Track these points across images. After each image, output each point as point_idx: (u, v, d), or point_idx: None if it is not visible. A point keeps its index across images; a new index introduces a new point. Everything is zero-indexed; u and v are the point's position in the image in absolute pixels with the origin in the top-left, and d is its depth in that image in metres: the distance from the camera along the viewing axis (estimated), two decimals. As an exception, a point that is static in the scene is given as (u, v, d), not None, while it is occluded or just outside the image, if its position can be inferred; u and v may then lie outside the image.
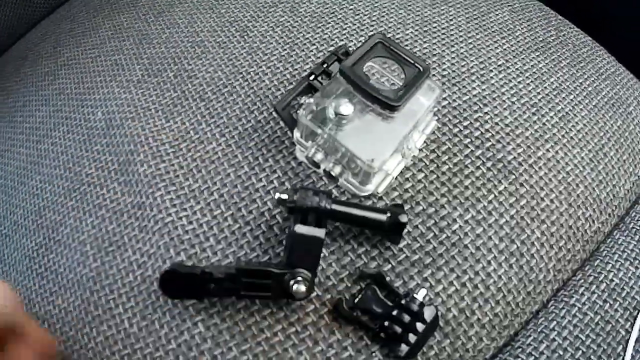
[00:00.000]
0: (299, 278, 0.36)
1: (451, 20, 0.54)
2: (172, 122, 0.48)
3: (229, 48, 0.52)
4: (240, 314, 0.39)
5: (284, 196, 0.38)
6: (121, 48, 0.57)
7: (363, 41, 0.42)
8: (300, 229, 0.37)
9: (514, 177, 0.44)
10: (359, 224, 0.40)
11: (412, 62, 0.40)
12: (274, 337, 0.38)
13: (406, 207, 0.42)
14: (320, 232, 0.37)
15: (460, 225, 0.41)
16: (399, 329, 0.37)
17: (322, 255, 0.40)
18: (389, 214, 0.39)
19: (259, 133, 0.46)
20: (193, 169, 0.45)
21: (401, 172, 0.42)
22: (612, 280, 0.45)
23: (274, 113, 0.46)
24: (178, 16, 0.58)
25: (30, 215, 0.50)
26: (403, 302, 0.38)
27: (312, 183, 0.43)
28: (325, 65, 0.44)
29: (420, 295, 0.38)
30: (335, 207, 0.38)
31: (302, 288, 0.36)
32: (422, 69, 0.40)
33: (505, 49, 0.52)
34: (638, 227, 0.49)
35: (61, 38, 0.67)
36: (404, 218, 0.39)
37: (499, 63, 0.50)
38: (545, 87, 0.50)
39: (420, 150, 0.44)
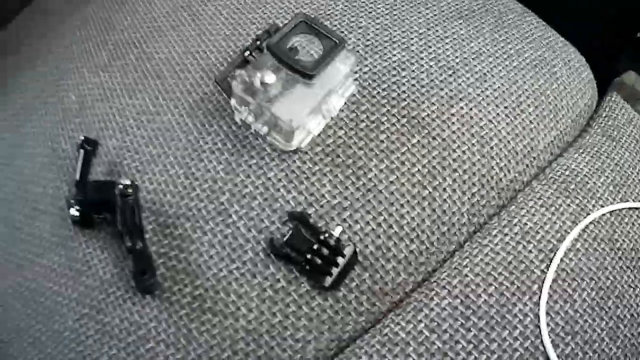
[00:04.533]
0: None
1: (377, -8, 0.64)
2: (134, 100, 0.60)
3: (181, 30, 0.64)
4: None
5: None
6: (89, 36, 0.69)
7: (288, 20, 0.53)
8: None
9: (426, 131, 0.55)
10: None
11: (329, 36, 0.51)
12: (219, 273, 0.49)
13: (328, 159, 0.53)
14: None
15: (375, 174, 0.52)
16: (319, 261, 0.48)
17: (248, 206, 0.52)
18: None
19: (205, 103, 0.57)
20: (152, 138, 0.57)
21: (323, 130, 0.53)
22: (526, 224, 0.53)
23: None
24: (138, 4, 0.70)
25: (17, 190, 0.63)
26: (322, 237, 0.49)
27: (249, 143, 0.54)
28: (258, 42, 0.55)
29: (336, 231, 0.49)
30: None
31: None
32: (337, 42, 0.51)
33: (428, 18, 0.62)
34: (557, 177, 0.58)
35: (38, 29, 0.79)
36: None
37: (421, 31, 0.61)
38: (464, 52, 0.61)
39: (341, 110, 0.55)
